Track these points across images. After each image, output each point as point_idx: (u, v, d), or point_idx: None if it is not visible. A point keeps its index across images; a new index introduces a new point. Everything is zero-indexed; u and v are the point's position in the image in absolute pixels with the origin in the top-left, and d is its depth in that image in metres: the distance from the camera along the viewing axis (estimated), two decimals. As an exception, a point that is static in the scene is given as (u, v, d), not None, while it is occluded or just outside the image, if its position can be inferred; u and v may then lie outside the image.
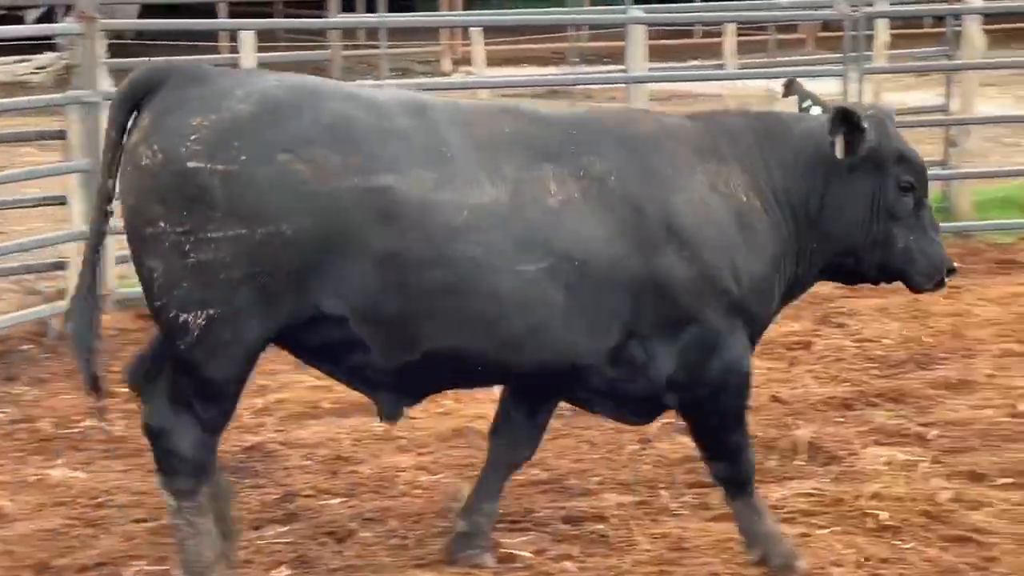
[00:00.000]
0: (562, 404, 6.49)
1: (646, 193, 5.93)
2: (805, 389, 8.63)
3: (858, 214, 6.23)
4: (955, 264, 6.39)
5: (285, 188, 5.47)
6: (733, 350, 6.10)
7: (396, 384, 5.92)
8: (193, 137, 5.44)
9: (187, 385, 5.66)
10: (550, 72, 21.25)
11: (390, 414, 6.04)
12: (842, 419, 8.20)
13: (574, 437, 7.85)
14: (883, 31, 14.08)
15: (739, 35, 17.86)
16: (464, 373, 6.04)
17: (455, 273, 5.65)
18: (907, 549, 6.41)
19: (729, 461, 6.26)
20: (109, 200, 5.73)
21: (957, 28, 13.87)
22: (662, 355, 6.00)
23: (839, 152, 6.07)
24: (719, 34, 18.01)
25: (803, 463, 7.52)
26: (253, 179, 5.45)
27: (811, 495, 7.02)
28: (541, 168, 5.79)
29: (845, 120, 6.06)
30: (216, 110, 5.50)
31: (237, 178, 5.44)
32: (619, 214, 5.86)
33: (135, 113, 5.64)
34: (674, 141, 6.12)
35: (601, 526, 6.68)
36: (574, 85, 17.92)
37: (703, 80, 12.65)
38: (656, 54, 16.33)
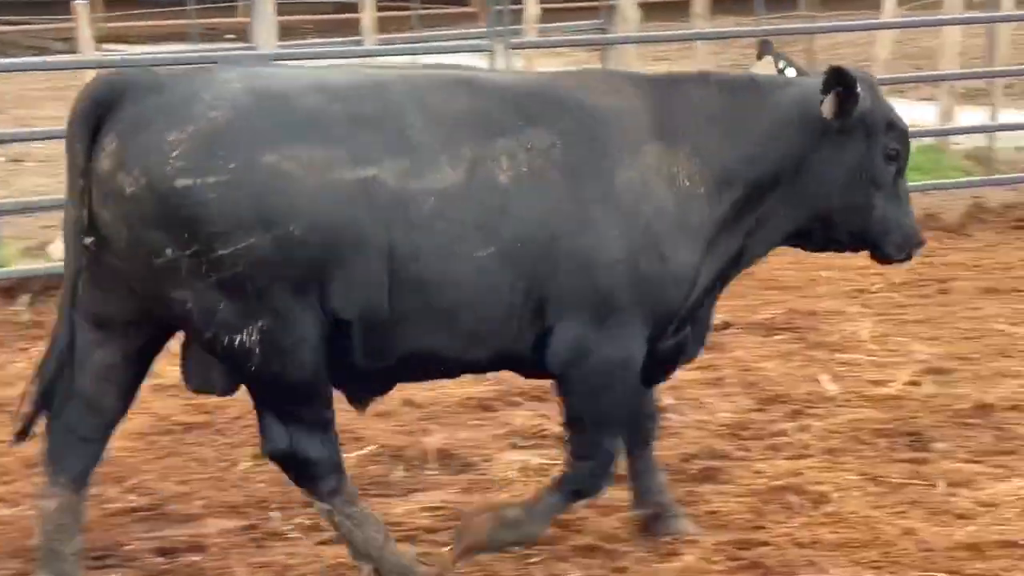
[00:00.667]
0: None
1: (588, 166, 5.74)
2: (441, 391, 8.11)
3: (841, 179, 6.12)
4: (923, 238, 6.36)
5: (281, 189, 5.28)
6: (634, 342, 5.86)
7: (366, 382, 5.81)
8: (174, 154, 5.21)
9: (280, 399, 5.54)
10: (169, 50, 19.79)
11: (356, 404, 5.95)
12: (479, 422, 7.82)
13: (183, 455, 7.31)
14: (533, 4, 13.89)
15: (379, 10, 17.21)
16: (431, 369, 5.91)
17: (426, 266, 5.49)
18: (533, 564, 6.09)
19: (591, 467, 5.99)
20: (85, 232, 5.37)
21: (612, 1, 13.67)
22: (562, 336, 5.72)
23: (828, 112, 5.93)
24: (356, 9, 17.36)
25: (434, 472, 7.13)
26: (248, 185, 5.25)
27: (438, 509, 6.65)
28: (494, 144, 5.62)
29: (839, 80, 5.89)
30: (191, 120, 5.26)
31: (231, 187, 5.22)
32: (559, 188, 5.68)
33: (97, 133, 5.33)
34: (626, 113, 5.93)
35: (198, 557, 6.15)
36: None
37: (336, 58, 12.03)
38: (287, 32, 15.91)
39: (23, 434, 5.68)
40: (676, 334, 6.09)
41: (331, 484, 5.69)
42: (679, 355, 6.25)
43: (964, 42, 15.49)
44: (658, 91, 6.10)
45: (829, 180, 6.12)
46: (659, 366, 6.17)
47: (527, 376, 6.22)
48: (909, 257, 6.38)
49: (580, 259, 5.68)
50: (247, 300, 5.32)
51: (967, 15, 15.56)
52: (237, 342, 5.36)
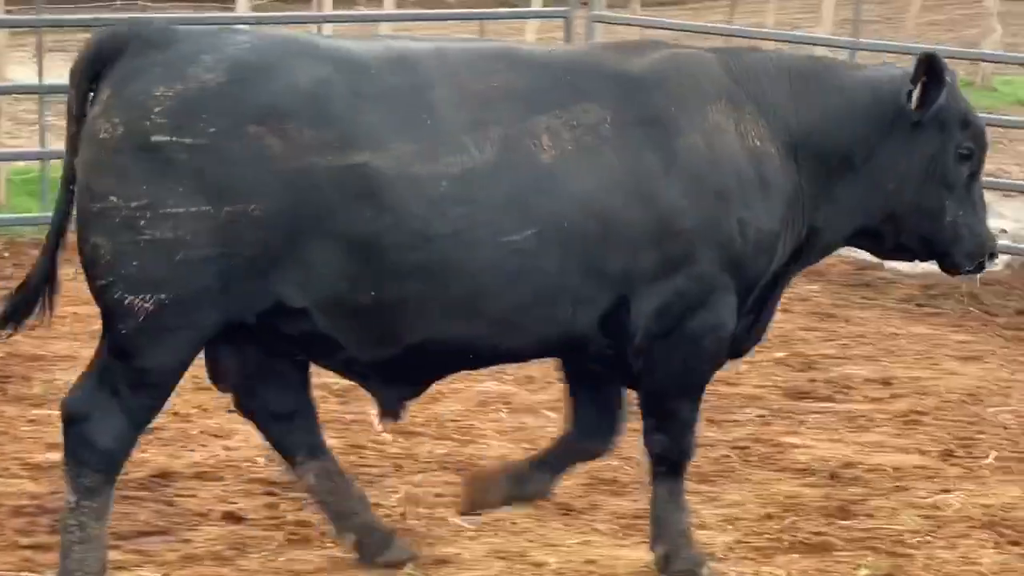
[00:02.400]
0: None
1: (644, 137, 5.65)
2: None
3: (911, 175, 5.95)
4: (996, 251, 6.22)
5: (255, 164, 5.24)
6: (720, 310, 5.80)
7: (388, 377, 5.72)
8: (157, 109, 5.21)
9: (120, 371, 5.38)
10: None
11: (389, 409, 5.88)
12: None
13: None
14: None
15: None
16: (459, 360, 5.83)
17: (435, 253, 5.38)
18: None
19: (672, 436, 5.95)
20: (73, 180, 5.42)
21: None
22: (642, 307, 5.69)
23: (915, 101, 5.82)
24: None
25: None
26: (222, 153, 5.22)
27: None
28: (532, 121, 5.51)
29: (931, 68, 5.80)
30: (181, 79, 5.25)
31: (205, 151, 5.20)
32: (614, 164, 5.59)
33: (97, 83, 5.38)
34: (681, 77, 5.81)
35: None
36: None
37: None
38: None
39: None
40: (751, 313, 6.00)
41: (91, 482, 5.43)
42: (749, 338, 6.16)
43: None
44: (722, 58, 5.99)
45: (899, 174, 5.94)
46: (732, 346, 6.05)
47: (577, 361, 6.04)
48: (981, 268, 6.19)
49: (647, 232, 5.61)
50: (165, 267, 5.25)
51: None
52: (128, 301, 5.27)
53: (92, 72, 5.40)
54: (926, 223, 5.99)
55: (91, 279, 5.37)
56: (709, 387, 8.00)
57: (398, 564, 6.06)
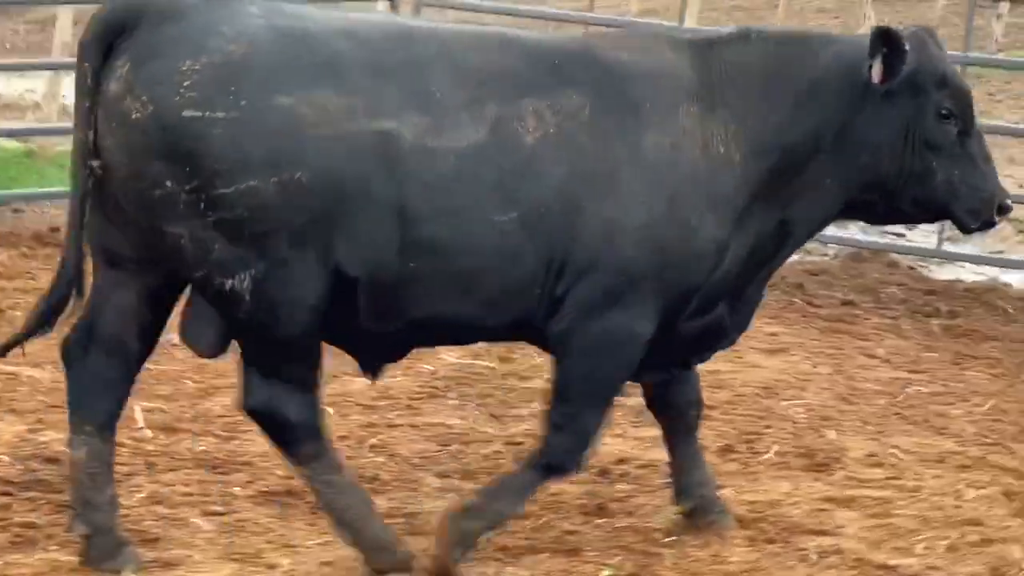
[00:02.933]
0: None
1: (617, 129, 5.65)
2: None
3: (887, 143, 5.91)
4: (1006, 203, 6.06)
5: (292, 133, 5.27)
6: (643, 316, 5.78)
7: (377, 345, 5.81)
8: (185, 83, 5.20)
9: (265, 352, 5.55)
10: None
11: (369, 369, 5.94)
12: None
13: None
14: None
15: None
16: (449, 336, 6.04)
17: (440, 227, 5.46)
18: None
19: (566, 439, 5.96)
20: (91, 156, 5.37)
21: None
22: (571, 301, 5.72)
23: (876, 76, 5.76)
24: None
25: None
26: (257, 125, 5.23)
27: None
28: (521, 103, 5.56)
29: (886, 41, 5.75)
30: (205, 52, 5.25)
31: (239, 125, 5.21)
32: (585, 151, 5.62)
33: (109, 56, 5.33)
34: (663, 74, 5.82)
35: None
36: None
37: None
38: None
39: (4, 350, 5.74)
40: (702, 314, 5.96)
41: (309, 448, 5.70)
42: (716, 338, 6.15)
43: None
44: (697, 51, 5.94)
45: (875, 145, 5.91)
46: (691, 347, 6.10)
47: (540, 345, 6.10)
48: (991, 224, 6.12)
49: (603, 225, 5.63)
50: (243, 244, 5.31)
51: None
52: (228, 286, 5.37)
53: (105, 45, 5.35)
54: (916, 187, 5.95)
55: (188, 272, 5.47)
56: (499, 380, 8.05)
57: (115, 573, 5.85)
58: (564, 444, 5.95)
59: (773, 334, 9.86)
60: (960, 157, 5.93)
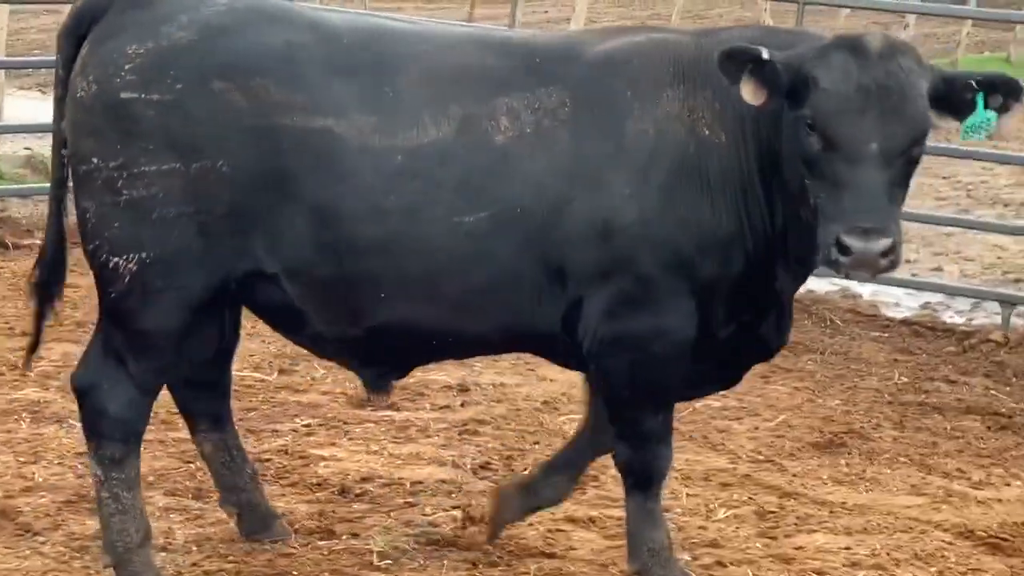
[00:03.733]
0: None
1: (598, 122, 5.46)
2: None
3: (785, 152, 5.40)
4: (851, 242, 5.07)
5: (222, 120, 5.30)
6: (668, 313, 5.52)
7: (361, 357, 5.78)
8: (127, 67, 5.30)
9: (120, 338, 5.52)
10: None
11: (374, 386, 5.94)
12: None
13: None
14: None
15: None
16: (429, 345, 5.75)
17: (388, 228, 5.37)
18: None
19: (634, 447, 5.78)
20: (64, 144, 5.53)
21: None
22: (591, 308, 5.51)
23: (751, 99, 5.23)
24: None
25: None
26: (188, 109, 5.29)
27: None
28: (494, 102, 5.43)
29: (731, 59, 5.22)
30: (154, 36, 5.33)
31: (172, 108, 5.28)
32: (565, 148, 5.43)
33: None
34: (644, 61, 5.56)
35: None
36: None
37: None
38: None
39: (32, 351, 5.96)
40: (736, 319, 5.70)
41: (114, 450, 5.60)
42: (758, 346, 5.86)
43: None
44: (684, 42, 5.68)
45: (785, 163, 5.43)
46: (735, 355, 5.83)
47: (557, 361, 5.98)
48: (836, 265, 5.20)
49: (594, 224, 5.44)
50: (143, 226, 5.34)
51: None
52: (113, 263, 5.39)
53: (78, 34, 5.48)
54: (800, 207, 5.39)
55: (83, 243, 5.49)
56: (271, 393, 7.78)
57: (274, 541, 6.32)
58: (637, 456, 5.83)
59: (576, 347, 9.55)
60: (826, 178, 5.25)
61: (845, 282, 11.55)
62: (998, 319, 11.00)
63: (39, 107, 16.40)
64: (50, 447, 7.40)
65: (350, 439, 7.77)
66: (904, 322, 10.84)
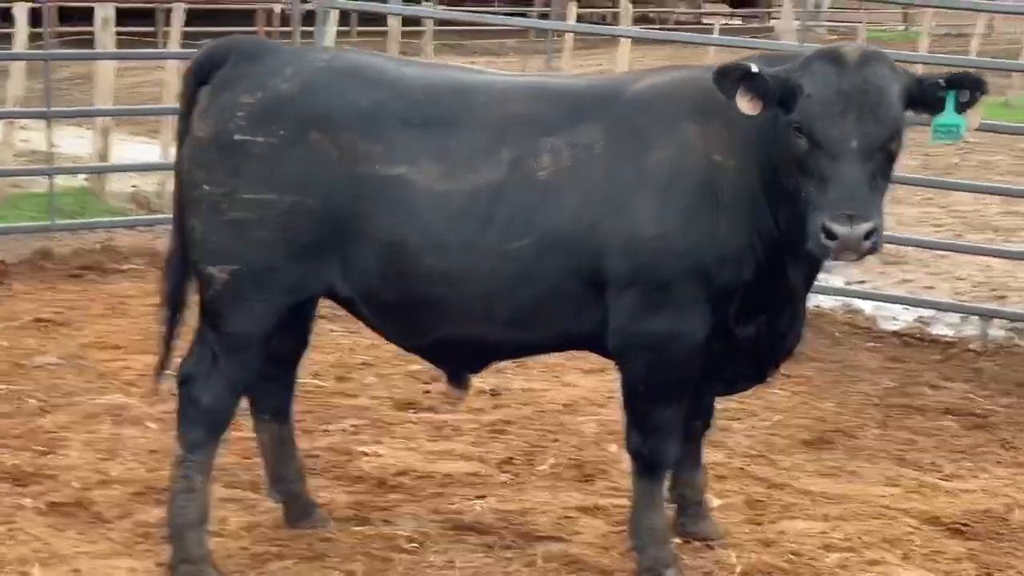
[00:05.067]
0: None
1: (626, 153, 5.52)
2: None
3: (779, 159, 5.40)
4: (836, 227, 5.08)
5: (314, 165, 5.48)
6: (685, 319, 5.56)
7: (436, 359, 5.95)
8: (240, 113, 5.50)
9: (213, 337, 5.65)
10: None
11: (455, 381, 6.05)
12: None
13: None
14: None
15: None
16: (490, 353, 5.92)
17: (448, 260, 5.51)
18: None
19: (644, 437, 5.78)
20: None
21: None
22: (616, 313, 5.58)
23: (746, 110, 5.28)
24: None
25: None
26: (287, 152, 5.47)
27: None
28: (538, 143, 5.53)
29: (725, 77, 5.29)
30: (263, 88, 5.53)
31: (274, 150, 5.46)
32: (598, 177, 5.51)
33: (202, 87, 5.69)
34: (665, 99, 5.65)
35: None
36: None
37: None
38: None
39: (162, 367, 6.06)
40: (751, 320, 5.71)
41: (197, 436, 5.72)
42: (772, 345, 5.84)
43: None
44: (701, 78, 5.57)
45: (778, 159, 5.43)
46: (753, 354, 5.83)
47: (604, 354, 5.95)
48: (825, 251, 5.20)
49: (622, 240, 5.50)
50: (239, 243, 5.51)
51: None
52: (208, 271, 5.57)
53: (199, 79, 5.70)
54: (796, 206, 5.36)
55: (189, 255, 5.69)
56: (311, 398, 7.76)
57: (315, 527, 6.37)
58: (645, 443, 5.81)
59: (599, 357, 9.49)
60: (817, 181, 5.25)
61: (846, 299, 11.45)
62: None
63: (146, 150, 16.65)
64: (127, 446, 7.42)
65: (392, 437, 7.74)
66: (896, 334, 10.65)
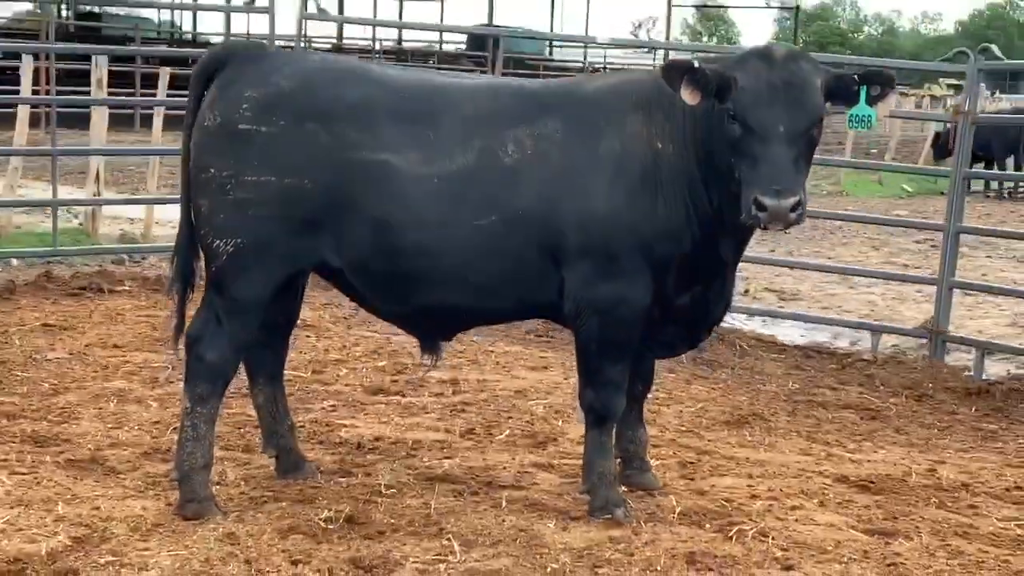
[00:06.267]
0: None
1: (581, 142, 5.62)
2: None
3: (713, 142, 5.57)
4: (767, 200, 5.22)
5: (310, 151, 5.56)
6: (630, 285, 5.65)
7: (412, 326, 5.98)
8: (245, 106, 5.59)
9: (218, 302, 5.70)
10: None
11: (426, 346, 6.06)
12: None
13: None
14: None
15: None
16: (462, 318, 5.95)
17: (427, 233, 5.57)
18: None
19: (596, 391, 5.86)
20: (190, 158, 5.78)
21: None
22: (572, 281, 5.67)
23: (688, 100, 5.41)
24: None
25: None
26: (287, 140, 5.56)
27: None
28: (504, 134, 5.64)
29: (671, 71, 5.42)
30: (265, 84, 5.62)
31: (275, 138, 5.55)
32: (557, 163, 5.62)
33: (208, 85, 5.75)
34: (616, 96, 5.76)
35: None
36: None
37: None
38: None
39: (179, 333, 5.98)
40: (687, 289, 5.84)
41: (203, 389, 5.75)
42: (704, 312, 5.97)
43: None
44: (645, 79, 5.84)
45: (713, 143, 5.59)
46: (687, 320, 5.97)
47: (560, 322, 6.03)
48: (756, 221, 5.32)
49: (577, 217, 5.60)
50: (242, 218, 5.58)
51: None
52: (214, 244, 5.63)
53: (205, 79, 5.76)
54: (729, 184, 5.52)
55: (197, 232, 5.75)
56: (292, 385, 7.76)
57: (304, 479, 6.37)
58: (597, 396, 5.89)
59: (544, 357, 9.59)
60: (746, 157, 5.41)
61: (755, 318, 11.61)
62: (867, 338, 11.03)
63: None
64: (132, 419, 7.40)
65: (366, 415, 7.75)
66: (797, 347, 10.79)
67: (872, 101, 5.62)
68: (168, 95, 14.87)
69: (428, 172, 5.61)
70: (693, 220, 5.73)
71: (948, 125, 22.94)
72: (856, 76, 5.61)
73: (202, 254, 5.88)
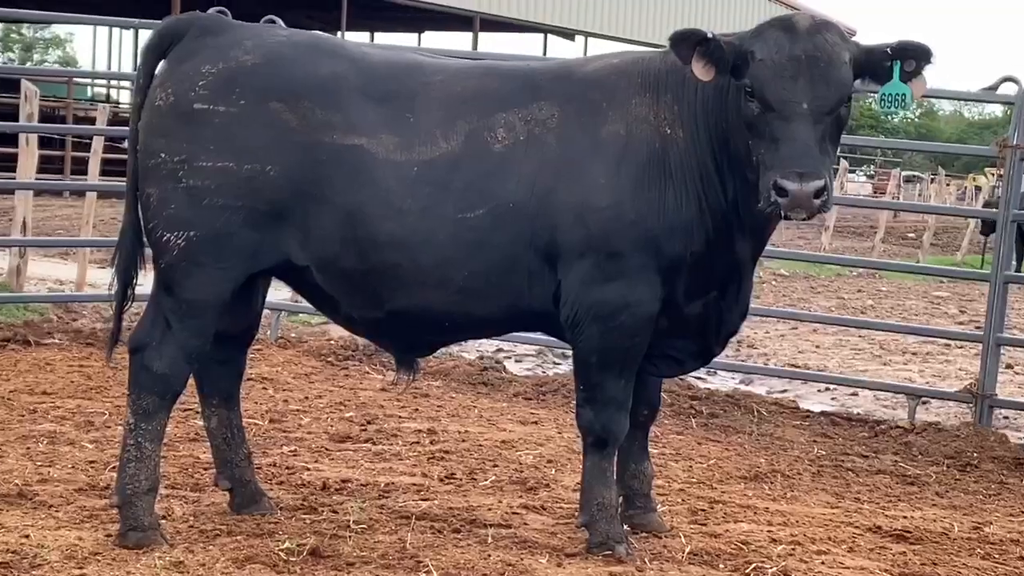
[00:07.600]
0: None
1: (579, 127, 5.67)
2: None
3: (732, 124, 5.66)
4: (788, 184, 5.30)
5: (274, 132, 5.59)
6: (635, 288, 5.67)
7: (387, 337, 6.00)
8: (201, 83, 5.61)
9: (168, 304, 5.70)
10: None
11: (401, 362, 6.08)
12: None
13: None
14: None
15: None
16: (443, 325, 5.89)
17: (405, 225, 5.59)
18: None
19: (596, 410, 5.86)
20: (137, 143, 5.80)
21: None
22: (570, 283, 5.69)
23: (701, 75, 5.50)
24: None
25: None
26: (248, 120, 5.58)
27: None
28: (493, 118, 5.67)
29: (681, 42, 5.52)
30: (224, 59, 5.64)
31: (234, 118, 5.57)
32: (552, 150, 5.65)
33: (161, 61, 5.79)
34: (619, 77, 5.80)
35: None
36: None
37: None
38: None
39: (114, 342, 6.11)
40: (699, 296, 5.87)
41: (148, 403, 5.76)
42: (719, 320, 5.99)
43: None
44: (652, 58, 5.92)
45: (731, 125, 5.68)
46: (698, 330, 5.98)
47: (555, 335, 6.07)
48: (776, 208, 5.38)
49: (574, 208, 5.63)
50: (196, 209, 5.60)
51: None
52: (164, 237, 5.63)
53: (158, 52, 5.82)
54: (747, 170, 5.62)
55: (144, 224, 5.78)
56: (248, 432, 7.84)
57: (263, 514, 6.40)
58: (597, 416, 5.90)
59: (532, 412, 9.70)
60: (768, 140, 5.48)
61: (772, 382, 11.80)
62: (901, 412, 11.11)
63: (59, 267, 16.78)
64: (65, 459, 7.45)
65: (331, 459, 7.84)
66: (822, 414, 10.88)
67: (906, 78, 5.71)
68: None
69: (406, 159, 5.66)
70: (706, 214, 5.81)
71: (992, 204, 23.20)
72: (888, 50, 5.72)
73: (150, 246, 5.87)
